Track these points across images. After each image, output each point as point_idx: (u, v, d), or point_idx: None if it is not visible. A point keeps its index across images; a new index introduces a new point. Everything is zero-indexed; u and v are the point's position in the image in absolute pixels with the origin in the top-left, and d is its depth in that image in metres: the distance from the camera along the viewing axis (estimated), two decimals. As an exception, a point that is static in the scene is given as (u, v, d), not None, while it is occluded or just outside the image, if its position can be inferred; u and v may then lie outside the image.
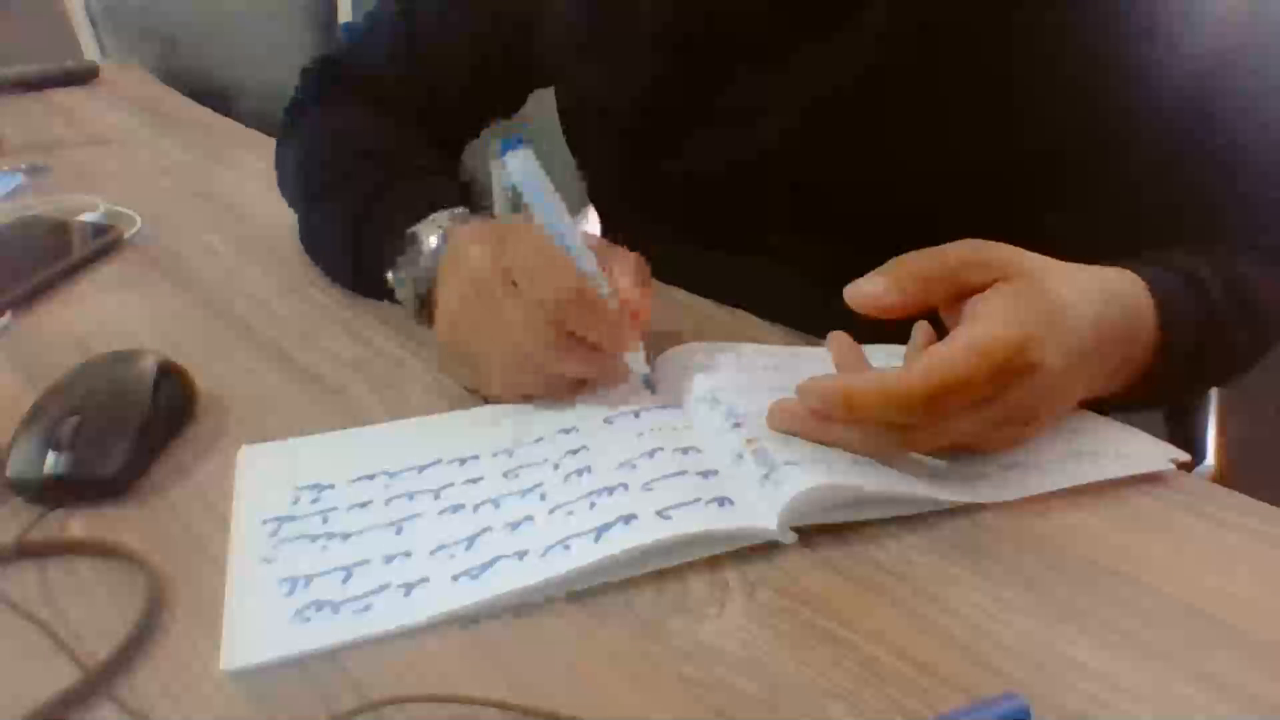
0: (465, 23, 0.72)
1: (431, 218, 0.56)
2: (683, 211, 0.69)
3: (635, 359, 0.49)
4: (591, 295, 0.46)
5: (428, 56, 0.73)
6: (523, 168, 0.47)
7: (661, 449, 0.45)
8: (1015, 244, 0.44)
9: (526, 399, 0.50)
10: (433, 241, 0.55)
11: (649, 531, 0.39)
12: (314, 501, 0.44)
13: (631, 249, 0.78)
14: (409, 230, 0.56)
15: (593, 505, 0.42)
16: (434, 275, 0.53)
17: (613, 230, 0.83)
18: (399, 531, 0.42)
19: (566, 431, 0.48)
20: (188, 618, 0.38)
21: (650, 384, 0.50)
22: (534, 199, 0.47)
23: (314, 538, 0.42)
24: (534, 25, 0.70)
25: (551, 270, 0.46)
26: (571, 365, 0.48)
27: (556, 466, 0.45)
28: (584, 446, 0.46)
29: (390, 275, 0.56)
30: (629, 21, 0.65)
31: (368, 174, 0.64)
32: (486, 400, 0.52)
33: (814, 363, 0.52)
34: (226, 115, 1.16)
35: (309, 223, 0.70)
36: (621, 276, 0.48)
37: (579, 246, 0.47)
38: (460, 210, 0.56)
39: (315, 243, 0.69)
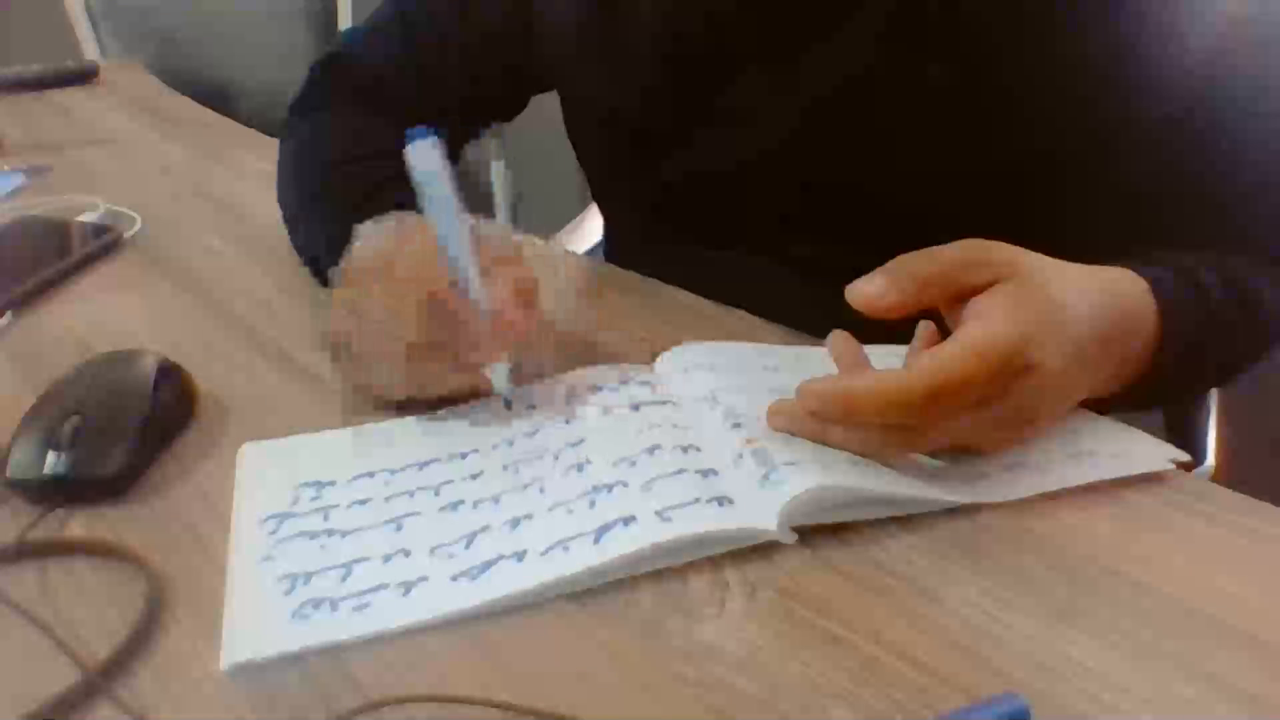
0: (460, 40, 0.72)
1: (381, 216, 0.56)
2: (684, 212, 0.69)
3: (497, 374, 0.48)
4: (452, 301, 0.46)
5: (424, 69, 0.73)
6: (424, 160, 0.46)
7: (661, 446, 0.45)
8: (1016, 244, 0.44)
9: (403, 404, 0.50)
10: (364, 235, 0.55)
11: (648, 534, 0.39)
12: (314, 499, 0.44)
13: (633, 248, 0.78)
14: (355, 225, 0.56)
15: (592, 504, 0.42)
16: None
17: (615, 230, 0.84)
18: (398, 529, 0.42)
19: (566, 422, 0.48)
20: (188, 618, 0.38)
21: (509, 403, 0.49)
22: (428, 193, 0.47)
23: (314, 535, 0.42)
24: (531, 35, 0.70)
25: (416, 275, 0.46)
26: (425, 369, 0.47)
27: (556, 458, 0.45)
28: (583, 439, 0.46)
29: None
30: (629, 23, 0.65)
31: (358, 176, 0.64)
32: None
33: (814, 363, 0.52)
34: (226, 115, 1.16)
35: (301, 223, 0.70)
36: (501, 289, 0.48)
37: (460, 248, 0.47)
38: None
39: (306, 244, 0.69)
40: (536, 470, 0.45)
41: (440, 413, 0.51)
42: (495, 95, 0.77)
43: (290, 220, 0.70)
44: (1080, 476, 0.43)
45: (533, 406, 0.50)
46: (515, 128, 0.90)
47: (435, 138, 0.47)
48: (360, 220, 0.61)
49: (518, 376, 0.50)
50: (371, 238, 0.51)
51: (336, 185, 0.66)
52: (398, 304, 0.46)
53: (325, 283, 0.63)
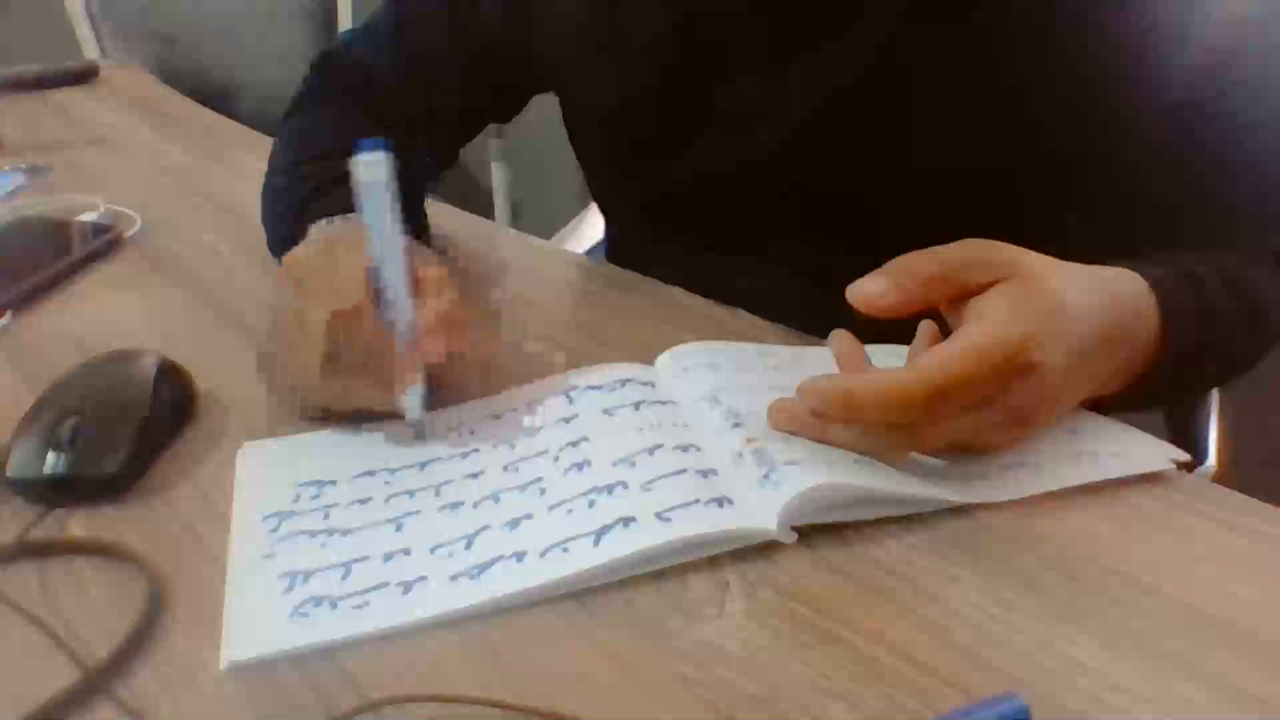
0: (452, 45, 0.72)
1: (334, 217, 0.56)
2: (684, 213, 0.69)
3: (410, 399, 0.47)
4: (363, 318, 0.44)
5: (416, 73, 0.73)
6: (369, 172, 0.45)
7: (662, 445, 0.45)
8: (1017, 244, 0.44)
9: (321, 416, 0.49)
10: (309, 237, 0.55)
11: (648, 535, 0.39)
12: (315, 498, 0.44)
13: (633, 248, 0.78)
14: (309, 226, 0.56)
15: (592, 504, 0.42)
16: None
17: (615, 230, 0.84)
18: (399, 529, 0.42)
19: (566, 421, 0.48)
20: (188, 618, 0.38)
21: (420, 433, 0.47)
22: (368, 206, 0.46)
23: (314, 534, 0.42)
24: (527, 39, 0.70)
25: (341, 286, 0.45)
26: (332, 387, 0.47)
27: (556, 459, 0.45)
28: (584, 438, 0.46)
29: None
30: (630, 24, 0.65)
31: (311, 175, 0.65)
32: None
33: (815, 362, 0.52)
34: (226, 115, 1.16)
35: (266, 219, 0.70)
36: (426, 313, 0.47)
37: (392, 266, 0.46)
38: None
39: (268, 240, 0.69)
40: (537, 470, 0.45)
41: (439, 412, 0.51)
42: (489, 99, 0.77)
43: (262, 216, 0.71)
44: (1080, 476, 0.43)
45: (532, 407, 0.50)
46: (515, 128, 0.90)
47: (383, 151, 0.46)
48: (302, 218, 0.61)
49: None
50: (309, 243, 0.50)
51: (291, 183, 0.66)
52: (310, 317, 0.45)
53: None
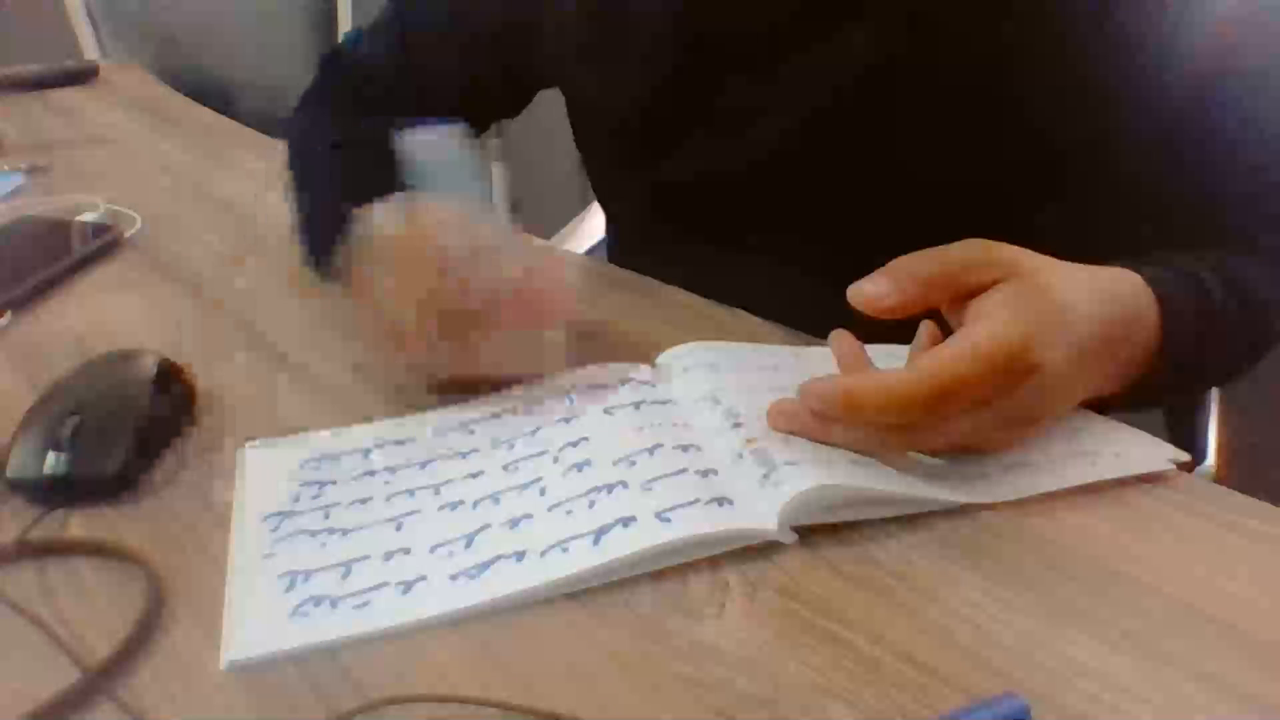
0: (457, 40, 0.72)
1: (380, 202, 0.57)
2: (687, 211, 0.69)
3: (550, 338, 0.48)
4: (477, 272, 0.46)
5: (419, 68, 0.73)
6: (436, 150, 0.48)
7: (662, 445, 0.45)
8: (1016, 244, 0.44)
9: (437, 390, 0.50)
10: (374, 219, 0.55)
11: (648, 535, 0.39)
12: (315, 498, 0.44)
13: (635, 247, 0.78)
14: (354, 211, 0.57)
15: (592, 504, 0.42)
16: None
17: (618, 228, 0.84)
18: (399, 528, 0.42)
19: (566, 421, 0.48)
20: (188, 618, 0.38)
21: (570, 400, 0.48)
22: (446, 180, 0.48)
23: (314, 533, 0.42)
24: (534, 39, 0.70)
25: (425, 260, 0.46)
26: (450, 352, 0.48)
27: (556, 459, 0.45)
28: (584, 438, 0.46)
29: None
30: (631, 26, 0.65)
31: (336, 167, 0.65)
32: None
33: (815, 362, 0.53)
34: (226, 115, 1.16)
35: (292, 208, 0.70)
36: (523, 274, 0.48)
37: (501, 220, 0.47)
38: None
39: (297, 229, 0.69)
40: (537, 470, 0.45)
41: (439, 411, 0.51)
42: (495, 94, 0.77)
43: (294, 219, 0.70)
44: (1080, 476, 0.43)
45: (532, 407, 0.50)
46: (515, 128, 0.90)
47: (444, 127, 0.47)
48: (345, 207, 0.61)
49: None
50: (384, 222, 0.51)
51: (309, 180, 0.66)
52: (424, 281, 0.46)
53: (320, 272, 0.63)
